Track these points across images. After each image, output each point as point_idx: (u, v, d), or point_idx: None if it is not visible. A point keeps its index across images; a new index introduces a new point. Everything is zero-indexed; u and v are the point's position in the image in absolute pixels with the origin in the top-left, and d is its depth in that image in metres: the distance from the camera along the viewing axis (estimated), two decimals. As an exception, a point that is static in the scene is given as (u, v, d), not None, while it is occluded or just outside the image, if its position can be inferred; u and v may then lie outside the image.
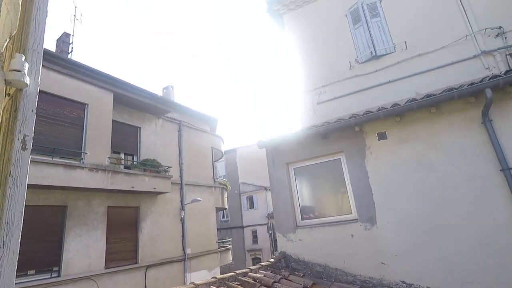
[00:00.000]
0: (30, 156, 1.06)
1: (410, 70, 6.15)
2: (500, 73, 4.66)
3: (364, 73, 6.66)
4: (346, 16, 7.16)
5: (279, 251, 5.52)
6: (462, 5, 5.91)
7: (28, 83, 0.95)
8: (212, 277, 4.14)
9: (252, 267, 4.80)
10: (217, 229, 15.09)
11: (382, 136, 4.91)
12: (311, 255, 5.06)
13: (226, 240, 17.21)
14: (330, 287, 4.35)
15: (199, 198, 12.03)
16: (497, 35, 5.55)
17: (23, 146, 0.97)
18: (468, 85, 4.23)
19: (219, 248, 14.26)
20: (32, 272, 7.42)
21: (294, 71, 7.78)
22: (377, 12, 6.77)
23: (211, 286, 3.80)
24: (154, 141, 11.91)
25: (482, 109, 4.13)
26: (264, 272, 4.63)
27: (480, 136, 4.23)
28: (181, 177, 12.62)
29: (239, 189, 28.59)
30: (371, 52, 6.58)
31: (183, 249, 11.86)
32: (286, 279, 4.36)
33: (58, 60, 9.02)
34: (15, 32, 0.93)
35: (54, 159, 7.74)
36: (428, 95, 4.50)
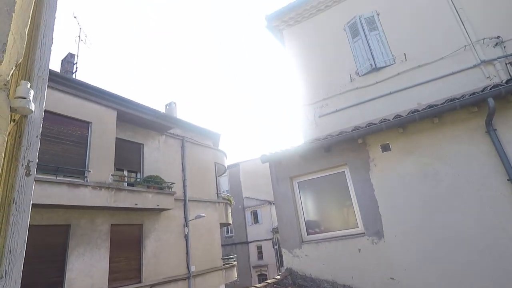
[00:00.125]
0: (34, 175, 1.06)
1: (411, 81, 6.18)
2: (502, 82, 4.67)
3: (365, 85, 6.70)
4: (344, 30, 7.28)
5: (285, 268, 5.40)
6: (459, 16, 5.99)
7: (33, 109, 0.96)
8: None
9: (258, 285, 4.68)
10: (222, 245, 14.86)
11: (385, 148, 4.88)
12: (318, 271, 4.94)
13: (231, 256, 16.91)
14: (339, 305, 4.23)
15: (203, 214, 11.91)
16: (496, 45, 5.60)
17: (27, 172, 0.97)
18: (470, 95, 4.23)
19: (224, 265, 14.00)
20: (35, 294, 7.29)
21: (295, 84, 7.85)
22: (375, 26, 6.87)
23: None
24: (157, 157, 11.93)
25: (486, 119, 4.11)
26: (270, 290, 4.51)
27: (485, 146, 4.19)
28: (184, 193, 12.55)
29: (243, 204, 28.33)
30: (371, 64, 6.64)
31: (188, 267, 11.65)
32: (293, 297, 4.24)
33: (63, 80, 9.19)
34: (21, 60, 0.94)
35: (58, 178, 7.75)
36: (430, 106, 4.50)
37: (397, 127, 4.74)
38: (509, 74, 5.34)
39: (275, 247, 25.38)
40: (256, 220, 27.97)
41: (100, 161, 9.08)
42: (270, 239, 26.36)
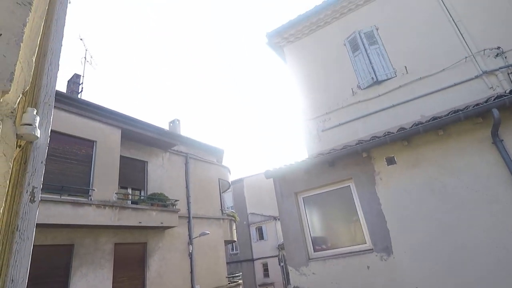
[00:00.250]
0: (39, 201, 1.05)
1: (413, 93, 6.19)
2: (505, 92, 4.66)
3: (367, 99, 6.73)
4: (344, 44, 7.39)
5: (292, 286, 5.25)
6: (457, 28, 6.06)
7: (39, 135, 0.97)
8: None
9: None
10: (227, 263, 14.57)
11: (391, 161, 4.83)
12: (326, 289, 4.79)
13: (236, 274, 16.52)
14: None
15: (207, 231, 11.75)
16: (497, 55, 5.63)
17: (32, 198, 0.96)
18: (474, 106, 4.21)
19: (229, 283, 13.66)
20: (37, 317, 7.13)
21: (298, 99, 7.90)
22: (375, 40, 6.97)
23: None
24: (161, 174, 11.92)
25: (491, 130, 4.08)
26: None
27: (492, 157, 4.14)
28: (188, 210, 12.44)
29: (247, 220, 27.96)
30: (372, 77, 6.68)
31: (192, 286, 11.39)
32: (302, 318, 4.10)
33: (69, 100, 9.34)
34: (28, 87, 0.96)
35: (62, 197, 7.74)
36: (434, 118, 4.49)
37: (402, 140, 4.71)
38: (512, 84, 5.34)
39: (281, 264, 24.80)
40: (261, 236, 27.51)
41: (104, 179, 9.09)
42: (276, 256, 25.81)
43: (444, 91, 5.88)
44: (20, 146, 1.06)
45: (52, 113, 1.04)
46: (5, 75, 0.83)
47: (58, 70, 1.09)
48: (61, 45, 1.15)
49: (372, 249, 4.61)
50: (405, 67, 6.45)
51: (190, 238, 11.98)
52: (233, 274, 16.56)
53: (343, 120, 6.85)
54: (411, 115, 5.87)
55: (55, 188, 7.87)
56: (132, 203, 10.05)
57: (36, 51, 0.98)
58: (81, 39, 12.28)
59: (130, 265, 9.72)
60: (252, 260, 26.92)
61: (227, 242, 14.79)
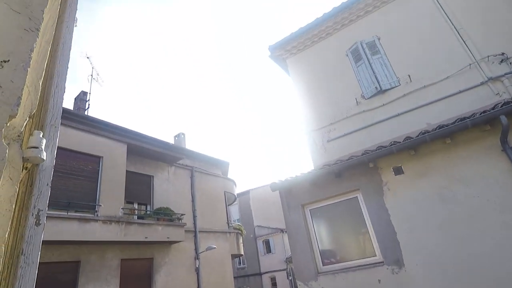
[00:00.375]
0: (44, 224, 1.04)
1: (418, 101, 6.16)
2: None
3: (371, 108, 6.71)
4: (347, 55, 7.44)
5: (302, 301, 5.11)
6: (460, 36, 6.07)
7: (45, 158, 0.97)
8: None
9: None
10: (234, 277, 14.30)
11: (398, 171, 4.77)
12: (337, 305, 4.65)
13: (244, 289, 16.19)
14: None
15: (214, 246, 11.60)
16: (502, 61, 5.60)
17: (37, 221, 0.95)
18: (481, 113, 4.16)
19: (237, 298, 13.38)
20: (43, 337, 7.02)
21: (302, 110, 7.91)
22: (377, 49, 7.01)
23: None
24: (167, 188, 11.91)
25: (500, 137, 4.01)
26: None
27: (503, 164, 4.05)
28: (194, 224, 12.34)
29: (254, 233, 27.61)
30: (376, 87, 6.68)
31: (199, 302, 11.16)
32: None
33: (75, 117, 9.49)
34: (34, 110, 0.97)
35: (69, 213, 7.76)
36: (440, 126, 4.44)
37: (408, 149, 4.65)
38: (518, 90, 5.28)
39: (290, 278, 24.28)
40: (268, 249, 27.07)
41: (111, 195, 9.10)
42: (284, 270, 25.29)
43: (449, 99, 5.84)
44: (26, 168, 1.06)
45: (58, 135, 1.05)
46: (13, 100, 0.84)
47: (64, 92, 1.10)
48: (67, 67, 1.17)
49: (382, 262, 4.49)
50: (409, 75, 6.45)
51: (196, 253, 11.83)
52: (241, 289, 16.22)
53: (348, 130, 6.82)
54: (417, 124, 5.82)
55: (62, 205, 7.90)
56: (138, 218, 10.02)
57: (43, 75, 1.00)
58: (87, 57, 12.57)
59: (137, 281, 9.61)
60: (260, 274, 26.42)
61: (234, 256, 14.56)
